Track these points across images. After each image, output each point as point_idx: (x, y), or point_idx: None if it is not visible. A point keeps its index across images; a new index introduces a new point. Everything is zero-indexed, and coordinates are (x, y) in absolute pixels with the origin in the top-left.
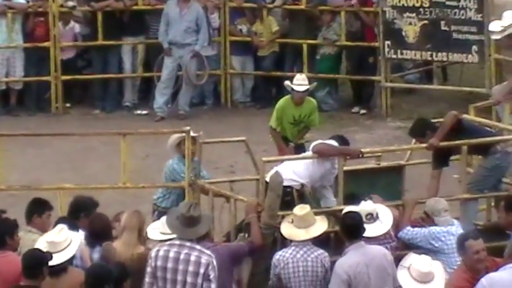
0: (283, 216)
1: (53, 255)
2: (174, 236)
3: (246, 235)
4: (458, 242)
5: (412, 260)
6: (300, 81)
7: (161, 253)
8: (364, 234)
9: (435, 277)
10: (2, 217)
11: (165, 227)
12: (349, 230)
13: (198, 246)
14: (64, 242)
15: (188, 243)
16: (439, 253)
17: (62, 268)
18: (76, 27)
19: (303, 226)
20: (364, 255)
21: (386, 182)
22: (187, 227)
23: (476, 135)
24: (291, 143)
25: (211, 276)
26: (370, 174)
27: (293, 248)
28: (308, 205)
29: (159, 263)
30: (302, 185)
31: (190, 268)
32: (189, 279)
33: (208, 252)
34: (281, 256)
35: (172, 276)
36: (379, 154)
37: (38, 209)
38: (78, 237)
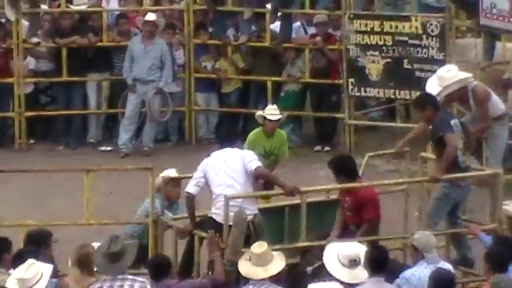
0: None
1: None
2: None
3: (210, 272)
4: None
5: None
6: (272, 111)
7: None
8: (348, 281)
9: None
10: None
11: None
12: (373, 264)
13: (130, 276)
14: (34, 278)
15: (120, 276)
16: None
17: None
18: (31, 62)
19: (260, 264)
20: None
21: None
22: (112, 263)
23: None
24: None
25: None
26: (319, 207)
27: (251, 286)
28: (265, 242)
29: None
30: (254, 215)
31: None
32: None
33: (140, 279)
34: None
35: None
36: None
37: (5, 248)
38: (49, 270)
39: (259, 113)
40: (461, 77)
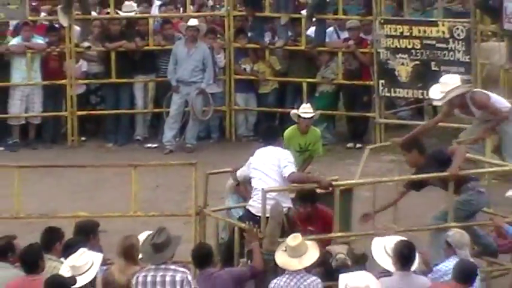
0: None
1: (76, 278)
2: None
3: (249, 261)
4: None
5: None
6: (306, 110)
7: (140, 279)
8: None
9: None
10: (12, 242)
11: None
12: (401, 258)
13: (172, 266)
14: (85, 265)
15: (163, 266)
16: None
17: None
18: (84, 65)
19: (295, 255)
20: (407, 285)
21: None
22: (156, 253)
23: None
24: None
25: None
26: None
27: (287, 276)
28: (300, 234)
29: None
30: (288, 208)
31: (168, 287)
32: None
33: (182, 269)
34: (275, 284)
35: None
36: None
37: (58, 237)
38: (99, 258)
39: (294, 111)
40: (462, 85)
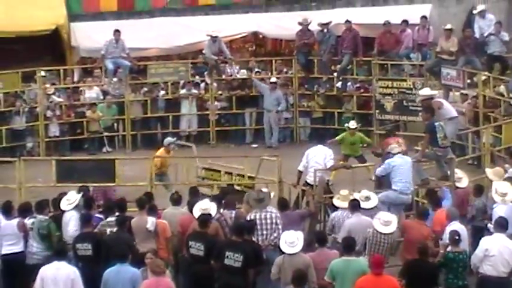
0: (325, 198)
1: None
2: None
3: (307, 207)
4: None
5: (381, 214)
6: (352, 124)
7: (252, 216)
8: (363, 207)
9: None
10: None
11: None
12: (351, 205)
13: (269, 209)
14: (209, 209)
15: (264, 209)
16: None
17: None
18: (217, 104)
19: (345, 200)
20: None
21: None
22: (258, 203)
23: None
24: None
25: (278, 221)
26: None
27: (341, 211)
28: (347, 190)
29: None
30: (328, 180)
31: (268, 221)
32: (269, 226)
33: (275, 211)
34: (335, 215)
35: (260, 227)
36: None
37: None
38: (214, 206)
39: (346, 124)
40: (430, 93)
